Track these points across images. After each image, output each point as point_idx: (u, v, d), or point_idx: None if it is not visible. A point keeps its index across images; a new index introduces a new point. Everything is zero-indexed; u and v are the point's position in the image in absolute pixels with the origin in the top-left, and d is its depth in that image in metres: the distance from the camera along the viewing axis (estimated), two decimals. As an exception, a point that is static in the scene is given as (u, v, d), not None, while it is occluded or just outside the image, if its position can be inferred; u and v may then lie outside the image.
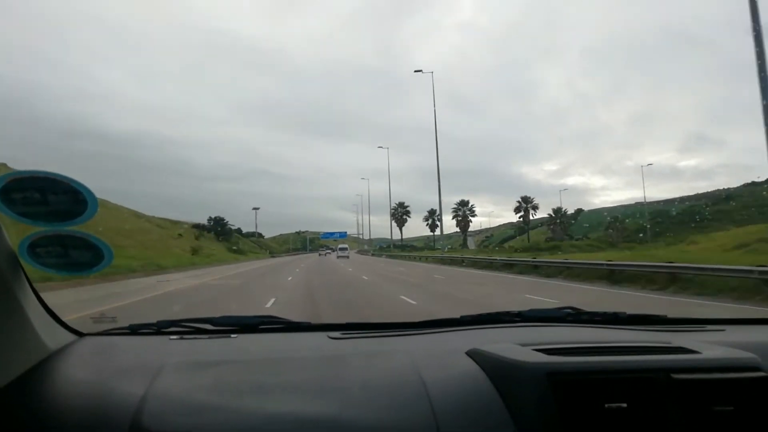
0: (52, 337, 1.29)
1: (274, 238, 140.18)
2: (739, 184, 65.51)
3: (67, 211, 1.14)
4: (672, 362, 1.12)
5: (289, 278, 20.41)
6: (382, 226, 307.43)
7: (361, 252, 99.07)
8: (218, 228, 77.99)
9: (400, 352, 1.33)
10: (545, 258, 25.86)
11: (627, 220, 63.24)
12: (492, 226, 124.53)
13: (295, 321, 1.74)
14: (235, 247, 73.51)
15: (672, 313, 1.85)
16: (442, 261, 36.56)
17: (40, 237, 1.16)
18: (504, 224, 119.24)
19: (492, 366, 1.15)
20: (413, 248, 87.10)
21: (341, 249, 66.36)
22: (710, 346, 1.23)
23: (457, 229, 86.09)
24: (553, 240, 63.29)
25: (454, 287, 16.32)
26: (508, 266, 24.45)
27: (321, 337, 1.56)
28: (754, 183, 62.96)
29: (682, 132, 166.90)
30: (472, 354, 1.24)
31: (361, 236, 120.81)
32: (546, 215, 77.60)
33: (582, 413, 1.03)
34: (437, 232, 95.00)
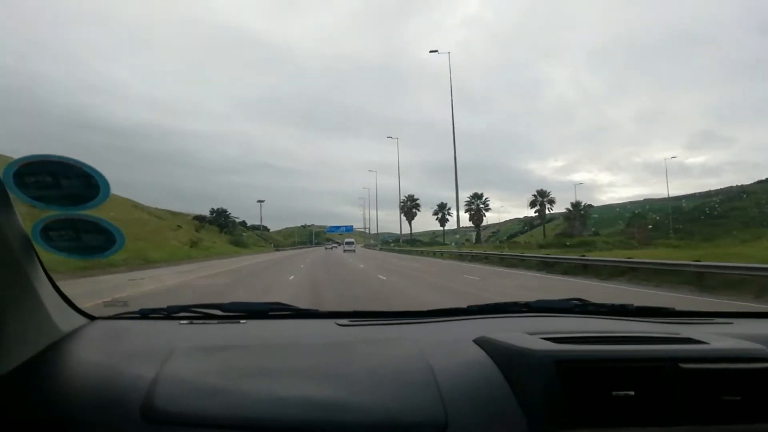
0: (64, 320, 1.30)
1: (279, 231, 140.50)
2: (747, 182, 64.68)
3: (79, 195, 1.13)
4: (680, 352, 1.11)
5: (291, 277, 17.09)
6: (387, 221, 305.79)
7: (367, 246, 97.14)
8: (220, 220, 74.83)
9: (408, 340, 1.33)
10: (575, 255, 22.38)
11: (647, 216, 59.64)
12: (498, 221, 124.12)
13: (304, 308, 1.77)
14: (237, 240, 70.26)
15: None
16: (462, 257, 33.12)
17: (53, 221, 1.16)
18: (510, 220, 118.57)
19: (500, 354, 1.15)
20: (420, 243, 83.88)
21: (348, 243, 66.92)
22: (719, 337, 1.23)
23: (466, 224, 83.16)
24: (571, 236, 59.68)
25: (514, 294, 12.02)
26: (546, 265, 21.07)
27: (329, 324, 1.56)
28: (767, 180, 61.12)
29: (689, 129, 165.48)
30: (480, 342, 1.23)
31: (367, 230, 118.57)
32: (553, 211, 74.20)
33: (590, 401, 1.03)
34: (447, 226, 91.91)
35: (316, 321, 1.69)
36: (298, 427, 0.99)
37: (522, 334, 1.24)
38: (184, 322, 1.55)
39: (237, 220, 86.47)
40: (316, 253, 54.91)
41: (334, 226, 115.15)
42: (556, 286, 14.52)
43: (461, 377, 1.10)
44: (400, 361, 1.19)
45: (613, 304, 1.79)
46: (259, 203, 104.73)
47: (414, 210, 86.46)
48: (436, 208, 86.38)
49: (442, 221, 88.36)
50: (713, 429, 1.03)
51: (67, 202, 1.15)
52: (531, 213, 76.78)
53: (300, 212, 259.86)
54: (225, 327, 1.54)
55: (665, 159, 78.70)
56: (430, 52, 39.30)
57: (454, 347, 1.25)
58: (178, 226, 57.96)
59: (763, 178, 66.77)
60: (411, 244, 79.89)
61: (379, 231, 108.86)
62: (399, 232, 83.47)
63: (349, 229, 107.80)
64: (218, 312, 1.64)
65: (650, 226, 54.43)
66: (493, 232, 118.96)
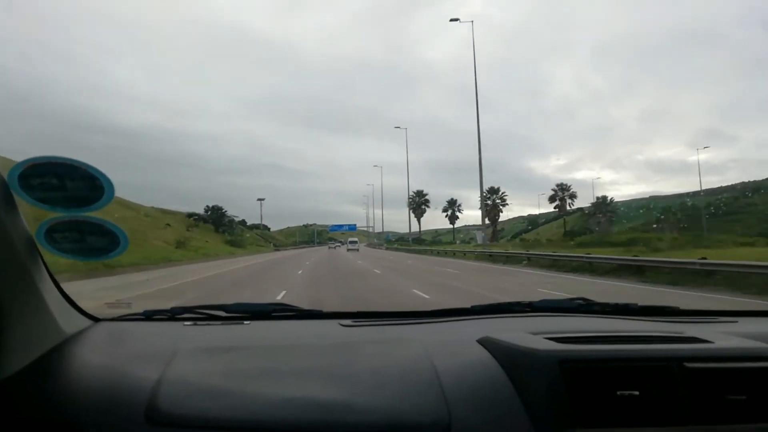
0: (68, 321, 1.29)
1: (281, 230, 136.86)
2: (750, 179, 63.88)
3: (84, 197, 1.13)
4: (685, 351, 1.11)
5: (283, 293, 11.66)
6: (391, 220, 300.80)
7: (371, 245, 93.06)
8: (216, 218, 69.62)
9: (412, 340, 1.32)
10: (632, 256, 17.31)
11: (677, 213, 54.61)
12: (502, 220, 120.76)
13: (307, 309, 1.75)
14: (233, 239, 65.03)
15: None
16: (493, 258, 27.76)
17: (57, 222, 1.16)
18: (514, 218, 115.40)
19: (503, 354, 1.14)
20: (425, 242, 78.68)
21: (351, 242, 65.98)
22: (723, 336, 1.22)
23: (471, 222, 78.31)
24: (596, 232, 54.36)
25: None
26: (612, 270, 15.84)
27: (333, 324, 1.55)
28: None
29: (692, 127, 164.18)
30: (484, 342, 1.22)
31: (371, 229, 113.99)
32: (574, 206, 68.76)
33: (594, 401, 1.02)
34: (439, 224, 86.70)
35: (319, 321, 1.67)
36: (303, 428, 0.98)
37: (525, 334, 1.23)
38: (188, 323, 1.54)
39: (236, 219, 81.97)
40: (319, 253, 49.81)
41: (336, 225, 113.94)
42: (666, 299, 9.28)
43: (465, 377, 1.09)
44: (403, 362, 1.18)
45: (617, 304, 1.76)
46: (259, 201, 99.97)
47: (423, 206, 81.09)
48: (445, 204, 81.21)
49: (452, 218, 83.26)
50: (718, 429, 1.01)
51: (72, 203, 1.14)
52: (534, 211, 71.15)
53: (302, 212, 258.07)
54: (228, 328, 1.53)
55: (697, 149, 72.29)
56: (451, 20, 34.74)
57: (457, 347, 1.24)
58: (168, 224, 52.96)
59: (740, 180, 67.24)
60: (419, 242, 74.63)
61: (383, 230, 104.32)
62: (402, 231, 79.05)
63: (352, 228, 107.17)
64: (222, 313, 1.63)
65: (683, 225, 49.51)
66: (497, 230, 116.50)
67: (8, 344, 1.07)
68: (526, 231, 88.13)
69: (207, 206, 71.61)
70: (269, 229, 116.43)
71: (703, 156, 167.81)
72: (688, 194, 72.16)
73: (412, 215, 78.89)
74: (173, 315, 1.61)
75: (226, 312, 1.63)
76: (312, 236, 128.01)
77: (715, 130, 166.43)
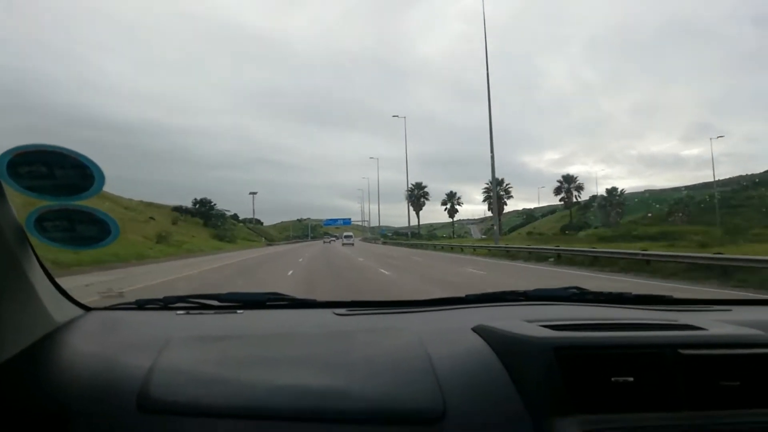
0: (59, 310, 1.28)
1: (274, 225, 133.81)
2: (743, 173, 63.52)
3: (74, 186, 1.12)
4: (679, 338, 1.11)
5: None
6: (385, 214, 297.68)
7: (366, 240, 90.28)
8: (203, 211, 65.90)
9: (406, 329, 1.31)
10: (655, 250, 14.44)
11: (689, 204, 52.03)
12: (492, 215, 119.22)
13: (301, 298, 1.74)
14: (221, 234, 61.38)
15: None
16: (510, 255, 24.48)
17: (47, 211, 1.15)
18: (509, 212, 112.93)
19: (498, 341, 1.14)
20: (421, 236, 75.46)
21: (346, 236, 65.83)
22: (717, 324, 1.22)
23: (466, 216, 75.26)
24: (599, 226, 51.41)
25: None
26: (681, 271, 12.61)
27: (327, 313, 1.54)
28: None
29: (685, 122, 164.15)
30: (479, 330, 1.22)
31: (366, 223, 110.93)
32: (579, 199, 65.72)
33: (589, 387, 1.02)
34: (454, 216, 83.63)
35: (313, 311, 1.65)
36: (297, 415, 0.98)
37: (520, 321, 1.23)
38: (181, 312, 1.53)
39: (228, 213, 78.47)
40: (313, 248, 46.38)
41: (331, 219, 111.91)
42: None
43: (460, 365, 1.09)
44: (398, 350, 1.17)
45: (611, 293, 1.76)
46: (251, 195, 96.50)
47: (422, 200, 77.68)
48: (443, 198, 78.00)
49: (452, 212, 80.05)
50: (712, 414, 1.02)
51: (62, 192, 1.13)
52: (528, 205, 68.02)
53: (296, 206, 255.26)
54: (222, 317, 1.52)
55: (710, 139, 68.37)
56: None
57: (452, 335, 1.24)
58: (151, 218, 49.37)
59: (763, 169, 65.51)
60: (418, 237, 71.30)
61: (378, 224, 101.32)
62: (396, 226, 75.61)
63: (346, 222, 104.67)
64: (215, 302, 1.62)
65: (695, 218, 46.76)
66: (492, 225, 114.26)
67: None
68: (522, 225, 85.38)
69: (195, 199, 67.99)
70: (262, 223, 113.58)
71: (695, 150, 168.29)
72: (682, 188, 71.40)
73: (409, 209, 75.49)
74: (166, 304, 1.60)
75: (220, 301, 1.62)
76: (306, 231, 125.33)
77: (706, 125, 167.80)
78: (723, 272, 11.80)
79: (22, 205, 1.13)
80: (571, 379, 1.02)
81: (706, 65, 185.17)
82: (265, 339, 1.29)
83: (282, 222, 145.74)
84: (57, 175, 1.09)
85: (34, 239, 1.16)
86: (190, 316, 1.49)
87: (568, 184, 64.88)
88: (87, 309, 1.46)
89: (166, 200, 65.96)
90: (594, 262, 17.08)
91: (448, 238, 74.62)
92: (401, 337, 1.24)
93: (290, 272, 16.09)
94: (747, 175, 68.23)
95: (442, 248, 39.25)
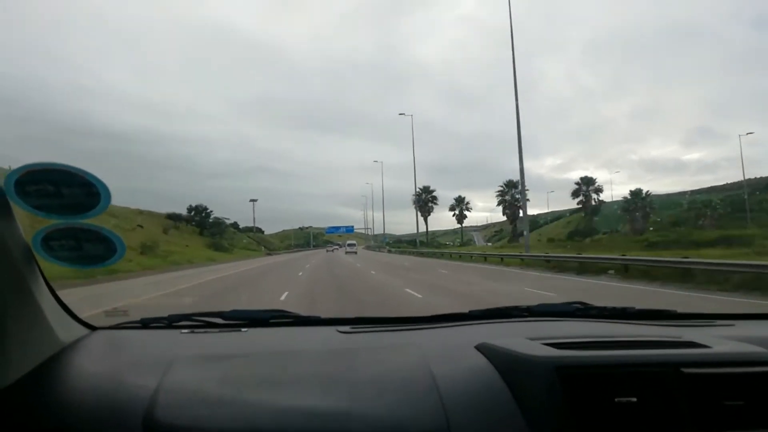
0: (64, 330, 1.27)
1: (276, 234, 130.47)
2: (741, 178, 59.17)
3: (80, 204, 1.13)
4: (682, 356, 1.10)
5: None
6: (387, 222, 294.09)
7: (369, 248, 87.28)
8: (198, 218, 61.91)
9: (409, 346, 1.31)
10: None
11: (716, 207, 48.31)
12: (498, 221, 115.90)
13: (305, 315, 1.72)
14: (216, 243, 57.32)
15: None
16: (549, 265, 20.41)
17: (54, 230, 1.15)
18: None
19: (501, 360, 1.13)
20: (428, 244, 71.41)
21: (349, 245, 65.27)
22: (720, 341, 1.21)
23: (459, 224, 71.82)
24: (643, 234, 47.36)
25: None
26: None
27: (330, 331, 1.54)
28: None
29: (685, 126, 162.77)
30: (482, 348, 1.21)
31: (369, 231, 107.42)
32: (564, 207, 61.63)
33: (591, 407, 1.02)
34: (462, 222, 79.59)
35: (317, 328, 1.65)
36: None
37: (523, 339, 1.22)
38: (185, 331, 1.52)
39: (228, 221, 74.79)
40: (316, 258, 42.29)
41: (333, 227, 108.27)
42: None
43: (463, 384, 1.08)
44: (401, 369, 1.17)
45: (615, 308, 1.73)
46: (251, 202, 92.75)
47: (430, 204, 73.56)
48: (453, 202, 74.00)
49: (460, 218, 75.96)
50: None
51: (69, 210, 1.13)
52: (530, 211, 63.78)
53: (297, 215, 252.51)
54: (226, 335, 1.52)
55: (739, 135, 63.39)
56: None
57: (455, 353, 1.23)
58: (139, 226, 45.39)
59: (763, 174, 64.39)
60: (425, 245, 67.12)
61: (379, 232, 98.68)
62: (399, 234, 71.68)
63: (349, 230, 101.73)
64: (219, 320, 1.61)
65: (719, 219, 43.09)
66: (495, 232, 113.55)
67: (5, 354, 1.04)
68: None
69: (190, 206, 64.02)
70: (263, 232, 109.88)
71: (695, 155, 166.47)
72: (687, 192, 69.00)
73: (413, 213, 71.30)
74: (170, 323, 1.59)
75: (224, 319, 1.60)
76: (308, 239, 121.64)
77: (707, 129, 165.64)
78: None
79: (29, 224, 1.12)
80: (573, 399, 1.00)
81: (706, 68, 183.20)
82: (269, 358, 1.28)
83: (284, 231, 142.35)
84: (64, 193, 1.09)
85: (41, 258, 1.14)
86: (194, 335, 1.49)
87: (586, 186, 60.63)
88: (93, 328, 1.45)
89: (165, 210, 62.10)
90: (685, 276, 12.96)
91: (458, 245, 70.54)
92: (405, 356, 1.24)
93: (285, 293, 12.02)
94: (755, 178, 65.68)
95: (460, 257, 35.16)
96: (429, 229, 72.79)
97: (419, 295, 11.55)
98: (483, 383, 1.07)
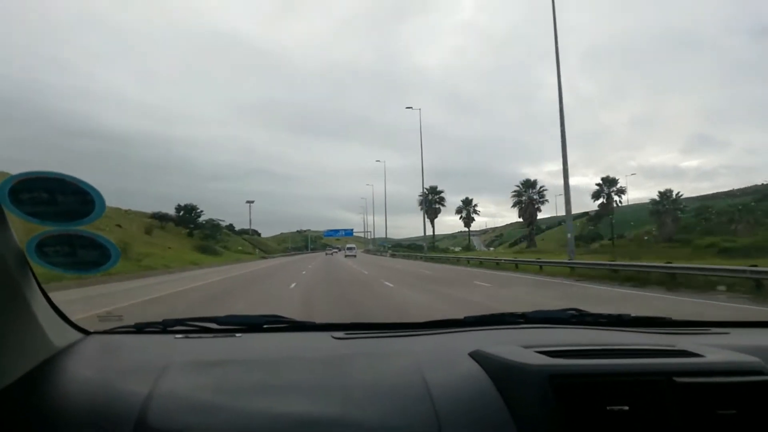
0: (58, 335, 1.28)
1: (274, 237, 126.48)
2: (742, 186, 59.35)
3: (74, 212, 1.14)
4: (675, 365, 1.10)
5: None
6: (387, 226, 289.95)
7: (369, 252, 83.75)
8: (187, 218, 57.25)
9: (403, 353, 1.32)
10: None
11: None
12: (497, 225, 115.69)
13: (300, 320, 1.72)
14: (205, 245, 52.61)
15: None
16: (601, 274, 15.79)
17: (48, 236, 1.17)
18: (510, 224, 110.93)
19: (495, 368, 1.14)
20: (418, 248, 66.81)
21: (349, 248, 65.14)
22: (714, 350, 1.22)
23: (460, 229, 67.56)
24: (669, 239, 42.77)
25: None
26: None
27: (325, 337, 1.54)
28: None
29: (684, 133, 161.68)
30: (475, 355, 1.22)
31: (368, 234, 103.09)
32: (622, 203, 57.11)
33: (584, 416, 1.02)
34: (470, 225, 75.01)
35: (311, 334, 1.65)
36: None
37: (517, 347, 1.23)
38: (180, 336, 1.52)
39: (223, 223, 70.36)
40: (315, 262, 37.86)
41: (332, 230, 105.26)
42: None
43: (456, 392, 1.08)
44: (395, 376, 1.17)
45: (610, 315, 1.75)
46: (248, 204, 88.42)
47: (437, 206, 68.95)
48: (460, 204, 69.49)
49: (468, 221, 71.52)
50: None
51: (62, 218, 1.14)
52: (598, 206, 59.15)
53: (295, 218, 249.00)
54: (220, 341, 1.51)
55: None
56: None
57: (449, 361, 1.23)
58: (118, 225, 40.78)
59: (760, 182, 62.88)
60: (430, 248, 62.45)
61: (378, 236, 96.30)
62: (398, 238, 68.14)
63: (348, 233, 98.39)
64: (214, 325, 1.61)
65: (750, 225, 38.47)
66: (496, 236, 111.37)
67: None
68: (525, 237, 77.73)
69: (178, 205, 59.47)
70: (260, 234, 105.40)
71: (694, 162, 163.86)
72: (689, 198, 65.25)
73: (413, 218, 66.70)
74: (165, 327, 1.58)
75: (218, 324, 1.61)
76: (306, 242, 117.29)
77: (706, 136, 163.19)
78: None
79: (23, 231, 1.14)
80: (566, 407, 1.01)
81: (705, 76, 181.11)
82: (263, 364, 1.28)
83: (281, 233, 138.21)
84: (58, 201, 1.10)
85: (36, 264, 1.15)
86: (188, 340, 1.48)
87: (608, 187, 56.09)
88: (87, 333, 1.45)
89: (162, 211, 57.51)
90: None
91: (461, 250, 65.96)
92: (399, 362, 1.24)
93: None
94: (762, 185, 63.47)
95: (480, 263, 30.51)
96: (429, 233, 68.06)
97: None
98: (476, 391, 1.07)
